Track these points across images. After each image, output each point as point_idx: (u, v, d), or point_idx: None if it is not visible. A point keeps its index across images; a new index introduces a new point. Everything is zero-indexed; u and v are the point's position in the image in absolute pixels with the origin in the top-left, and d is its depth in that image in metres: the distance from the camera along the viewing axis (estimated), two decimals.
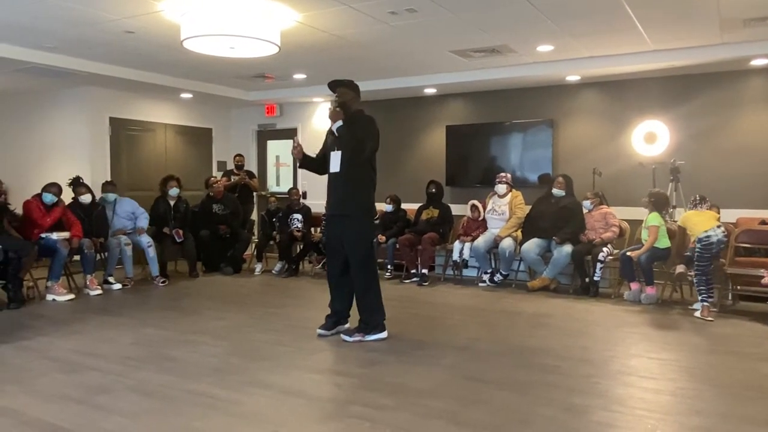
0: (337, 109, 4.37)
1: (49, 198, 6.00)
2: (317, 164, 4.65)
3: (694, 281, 5.25)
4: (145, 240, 6.75)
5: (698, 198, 5.52)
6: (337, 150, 4.41)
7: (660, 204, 5.77)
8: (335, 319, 4.59)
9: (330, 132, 4.54)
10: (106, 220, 6.62)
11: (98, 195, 6.75)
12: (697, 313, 5.17)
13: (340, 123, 4.36)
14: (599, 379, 3.58)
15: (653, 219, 5.71)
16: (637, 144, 6.98)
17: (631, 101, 7.07)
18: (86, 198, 6.43)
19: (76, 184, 6.52)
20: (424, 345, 4.30)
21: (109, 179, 7.91)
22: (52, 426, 2.88)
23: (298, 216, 7.60)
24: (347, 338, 4.41)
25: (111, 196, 6.84)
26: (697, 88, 6.72)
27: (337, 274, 4.56)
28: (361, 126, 4.39)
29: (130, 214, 6.88)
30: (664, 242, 5.72)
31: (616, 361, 3.96)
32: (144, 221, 6.91)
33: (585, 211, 6.39)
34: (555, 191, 6.50)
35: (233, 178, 8.30)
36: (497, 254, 6.72)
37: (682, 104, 6.80)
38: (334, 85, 4.54)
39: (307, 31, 5.41)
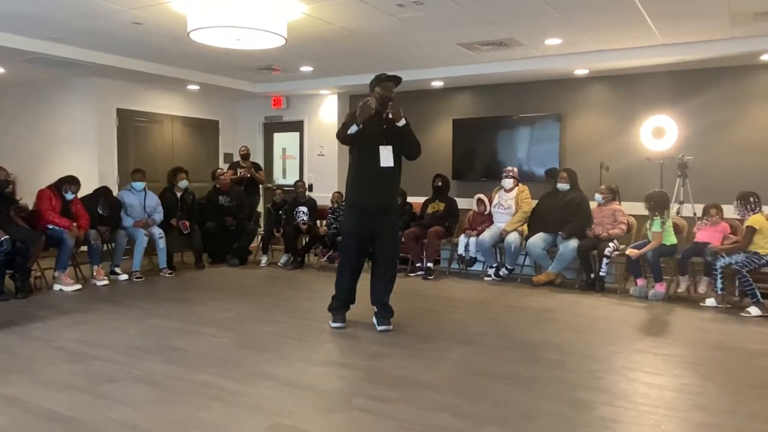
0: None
1: (70, 195, 6.09)
2: (356, 142, 4.46)
3: (745, 284, 5.13)
4: (157, 232, 6.78)
5: (755, 200, 5.33)
6: (387, 144, 4.39)
7: (661, 205, 5.73)
8: (346, 310, 4.64)
9: (374, 123, 4.37)
10: (119, 211, 6.66)
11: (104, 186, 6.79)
12: (756, 311, 5.05)
13: (405, 121, 4.43)
14: (604, 374, 3.58)
15: (657, 226, 5.68)
16: (645, 139, 6.94)
17: (640, 96, 7.02)
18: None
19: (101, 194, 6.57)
20: (429, 338, 4.30)
21: (116, 170, 7.96)
22: (57, 415, 2.90)
23: (304, 209, 7.60)
24: (384, 327, 4.49)
25: (139, 185, 6.84)
26: (706, 82, 6.66)
27: (358, 267, 4.62)
28: (410, 127, 4.53)
29: (152, 208, 6.94)
30: (670, 239, 5.70)
31: (621, 356, 3.96)
32: (160, 216, 6.95)
33: (595, 205, 6.35)
34: (559, 185, 6.48)
35: (239, 171, 8.31)
36: (503, 248, 6.70)
37: (690, 99, 6.75)
38: (392, 80, 4.45)
39: (314, 23, 5.39)
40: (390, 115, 4.40)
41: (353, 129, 4.34)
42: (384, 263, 4.59)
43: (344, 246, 4.69)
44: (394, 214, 4.62)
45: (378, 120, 4.42)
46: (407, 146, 4.52)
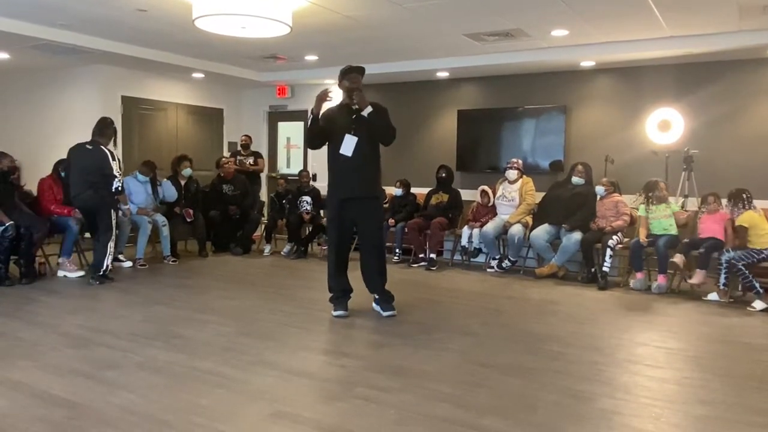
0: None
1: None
2: (320, 137, 4.56)
3: (743, 279, 5.15)
4: (161, 219, 6.80)
5: (747, 196, 5.36)
6: (354, 135, 4.41)
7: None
8: (347, 299, 4.66)
9: (344, 115, 4.49)
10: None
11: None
12: (761, 305, 5.03)
13: (371, 109, 4.43)
14: (605, 366, 3.58)
15: (676, 207, 5.83)
16: (650, 132, 6.90)
17: (646, 88, 6.98)
18: None
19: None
20: (431, 329, 4.31)
21: (121, 157, 7.93)
22: (61, 400, 2.93)
23: (308, 198, 7.60)
24: (390, 312, 4.56)
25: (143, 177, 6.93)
26: (712, 76, 6.62)
27: (343, 257, 4.66)
28: (384, 113, 4.53)
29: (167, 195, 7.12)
30: (674, 229, 5.73)
31: (623, 349, 3.96)
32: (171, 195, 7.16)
33: (597, 197, 6.34)
34: (575, 179, 6.45)
35: (239, 159, 8.27)
36: (506, 240, 6.70)
37: (697, 92, 6.71)
38: (356, 70, 4.50)
39: (319, 12, 5.37)
40: (356, 105, 4.43)
41: (311, 120, 4.46)
42: (370, 251, 4.63)
43: (329, 238, 4.78)
44: (375, 201, 4.65)
45: (347, 111, 4.49)
46: (379, 133, 4.53)
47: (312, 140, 4.64)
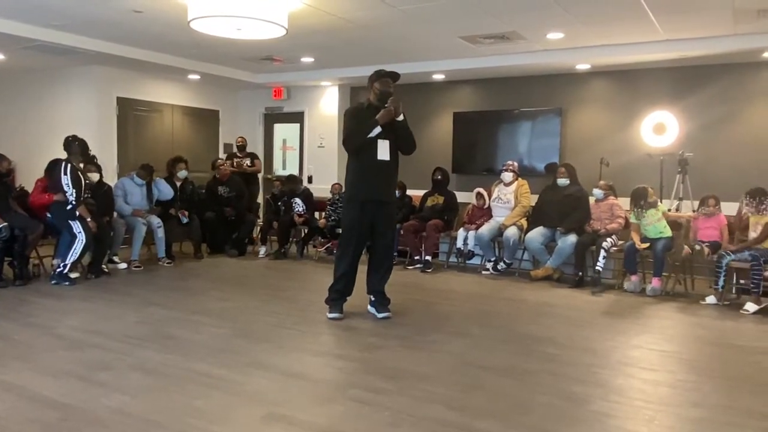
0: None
1: None
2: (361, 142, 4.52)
3: (752, 278, 5.08)
4: (156, 221, 6.78)
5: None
6: (385, 139, 4.47)
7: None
8: (344, 302, 4.65)
9: (367, 117, 4.47)
10: (112, 200, 6.64)
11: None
12: (753, 307, 5.02)
13: (402, 116, 4.53)
14: (599, 368, 3.58)
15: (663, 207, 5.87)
16: (645, 135, 6.93)
17: (641, 91, 7.01)
18: (94, 176, 6.44)
19: (88, 162, 6.54)
20: (426, 331, 4.31)
21: (116, 159, 7.94)
22: (54, 402, 2.91)
23: (298, 200, 7.59)
24: (385, 314, 4.58)
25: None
26: (707, 79, 6.65)
27: (356, 260, 4.63)
28: (407, 123, 4.61)
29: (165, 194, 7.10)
30: (668, 231, 5.73)
31: (617, 351, 3.96)
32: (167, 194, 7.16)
33: (594, 200, 6.34)
34: (559, 180, 6.48)
35: (236, 161, 8.27)
36: (501, 242, 6.71)
37: (692, 95, 6.74)
38: (390, 75, 4.57)
39: (315, 14, 5.37)
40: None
41: (377, 131, 4.43)
42: (382, 254, 4.66)
43: (344, 239, 4.70)
44: (393, 206, 4.75)
45: (376, 115, 4.49)
46: (404, 141, 4.61)
47: (360, 147, 4.52)
